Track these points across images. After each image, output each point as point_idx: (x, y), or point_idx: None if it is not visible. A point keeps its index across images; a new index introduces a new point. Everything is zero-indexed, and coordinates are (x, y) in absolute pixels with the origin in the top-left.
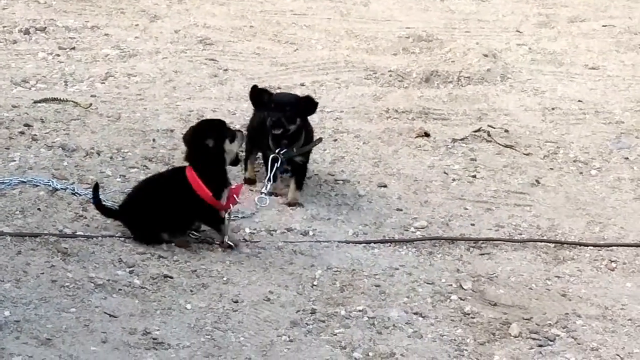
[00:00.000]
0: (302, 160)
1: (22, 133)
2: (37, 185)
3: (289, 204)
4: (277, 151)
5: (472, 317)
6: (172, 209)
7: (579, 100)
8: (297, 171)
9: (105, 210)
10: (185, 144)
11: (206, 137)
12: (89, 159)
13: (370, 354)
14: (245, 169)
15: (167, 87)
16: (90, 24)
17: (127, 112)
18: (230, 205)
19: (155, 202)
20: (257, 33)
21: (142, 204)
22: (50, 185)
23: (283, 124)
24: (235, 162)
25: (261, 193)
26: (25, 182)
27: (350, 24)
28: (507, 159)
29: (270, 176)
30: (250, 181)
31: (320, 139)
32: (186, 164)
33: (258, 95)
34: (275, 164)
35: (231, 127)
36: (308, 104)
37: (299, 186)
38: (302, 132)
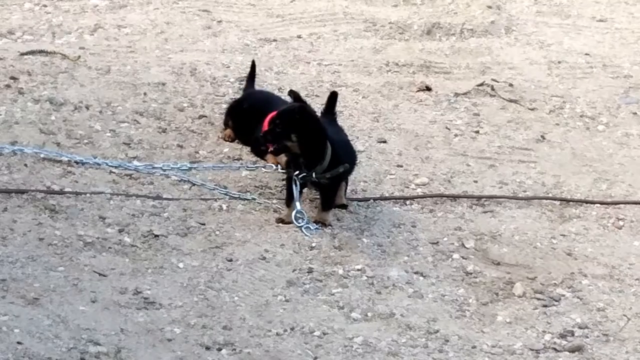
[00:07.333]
0: (326, 182)
1: (8, 86)
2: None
3: (316, 222)
4: (296, 174)
5: (474, 277)
6: None
7: (586, 54)
8: (323, 192)
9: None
10: None
11: None
12: (77, 113)
13: (369, 314)
14: None
15: (159, 39)
16: None
17: (117, 64)
18: None
19: None
20: None
21: None
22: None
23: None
24: None
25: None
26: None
27: None
28: (511, 114)
29: (294, 202)
30: None
31: (346, 166)
32: None
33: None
34: (294, 187)
35: None
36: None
37: (325, 207)
38: (326, 153)
